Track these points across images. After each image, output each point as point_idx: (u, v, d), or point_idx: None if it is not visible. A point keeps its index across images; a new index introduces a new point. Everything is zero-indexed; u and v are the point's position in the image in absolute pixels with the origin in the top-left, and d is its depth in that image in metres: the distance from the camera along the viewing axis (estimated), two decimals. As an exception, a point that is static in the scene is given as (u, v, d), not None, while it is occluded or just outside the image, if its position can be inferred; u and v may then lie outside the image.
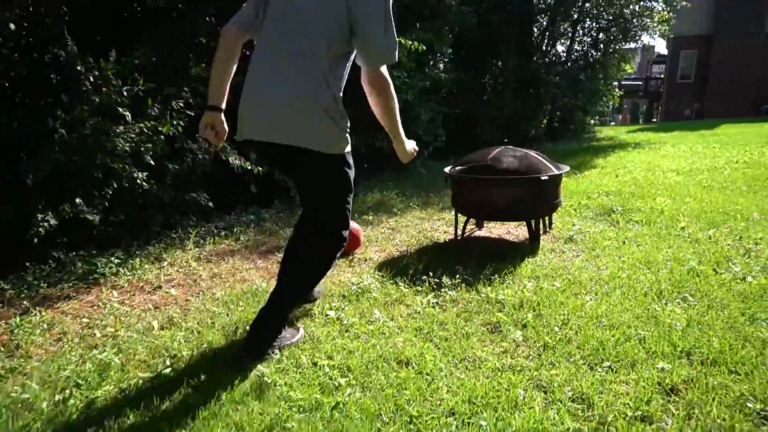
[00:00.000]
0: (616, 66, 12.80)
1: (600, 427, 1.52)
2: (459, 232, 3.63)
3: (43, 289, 2.86)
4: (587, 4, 11.92)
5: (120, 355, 2.08)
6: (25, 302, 2.69)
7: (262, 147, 1.93)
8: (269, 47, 1.86)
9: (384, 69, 1.90)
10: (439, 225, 4.19)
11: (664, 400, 1.62)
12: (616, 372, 1.79)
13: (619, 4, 10.98)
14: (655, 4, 12.02)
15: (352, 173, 2.03)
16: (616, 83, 14.15)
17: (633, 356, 1.87)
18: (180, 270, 3.23)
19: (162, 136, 3.64)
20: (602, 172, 6.27)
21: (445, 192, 5.52)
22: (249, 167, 4.19)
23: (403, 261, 3.22)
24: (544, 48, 13.10)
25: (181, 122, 3.75)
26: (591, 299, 2.41)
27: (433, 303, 2.52)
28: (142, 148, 3.25)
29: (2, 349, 2.20)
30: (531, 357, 1.93)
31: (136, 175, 3.44)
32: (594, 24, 12.86)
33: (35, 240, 2.97)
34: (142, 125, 3.31)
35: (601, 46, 12.67)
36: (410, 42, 5.49)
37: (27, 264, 3.09)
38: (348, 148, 1.97)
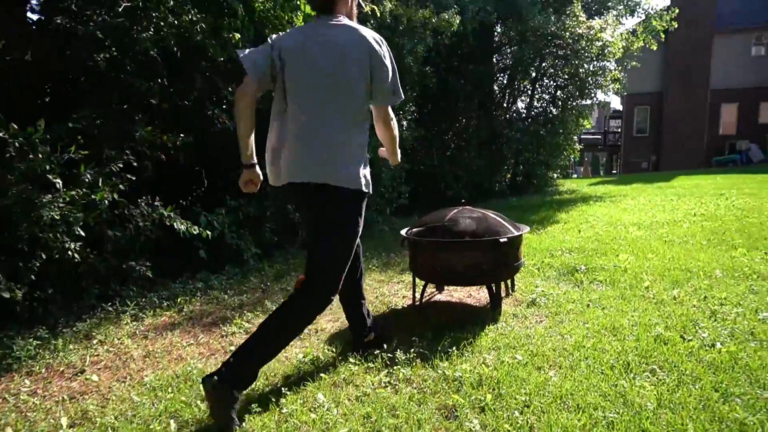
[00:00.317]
0: (574, 121, 13.21)
1: None
2: (418, 297, 3.44)
3: (-57, 379, 2.52)
4: (544, 64, 12.40)
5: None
6: None
7: (300, 188, 2.13)
8: (304, 107, 2.10)
9: (390, 108, 2.31)
10: (398, 288, 4.00)
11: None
12: (583, 468, 1.58)
13: (574, 63, 11.44)
14: (607, 64, 12.58)
15: (361, 222, 2.25)
16: (576, 137, 14.58)
17: (601, 447, 1.67)
18: (110, 349, 2.92)
19: (106, 202, 3.41)
20: (565, 228, 6.24)
21: (406, 252, 5.36)
22: (196, 231, 3.96)
23: (357, 332, 2.99)
24: (505, 105, 13.49)
25: (121, 186, 3.53)
26: (555, 374, 2.22)
27: (385, 383, 2.29)
28: (72, 218, 3.00)
29: None
30: (489, 451, 1.71)
31: (68, 245, 3.17)
32: (552, 82, 13.35)
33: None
34: (74, 193, 3.07)
35: (560, 102, 13.11)
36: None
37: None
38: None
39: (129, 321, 3.38)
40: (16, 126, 2.87)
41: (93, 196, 3.15)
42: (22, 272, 3.04)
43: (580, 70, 11.55)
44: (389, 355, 2.55)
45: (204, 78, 4.92)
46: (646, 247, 4.73)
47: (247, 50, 2.14)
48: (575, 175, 27.75)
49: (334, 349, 2.73)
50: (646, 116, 25.94)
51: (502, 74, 13.27)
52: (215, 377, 1.95)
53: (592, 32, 10.91)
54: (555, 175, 14.42)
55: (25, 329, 3.11)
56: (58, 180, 3.03)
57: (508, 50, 12.56)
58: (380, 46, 2.13)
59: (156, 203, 3.87)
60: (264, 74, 2.08)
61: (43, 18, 4.23)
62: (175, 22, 3.79)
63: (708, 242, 4.88)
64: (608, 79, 12.05)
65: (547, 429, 1.79)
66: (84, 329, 3.19)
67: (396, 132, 2.44)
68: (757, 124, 23.88)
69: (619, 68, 13.15)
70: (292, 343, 2.90)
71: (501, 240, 2.96)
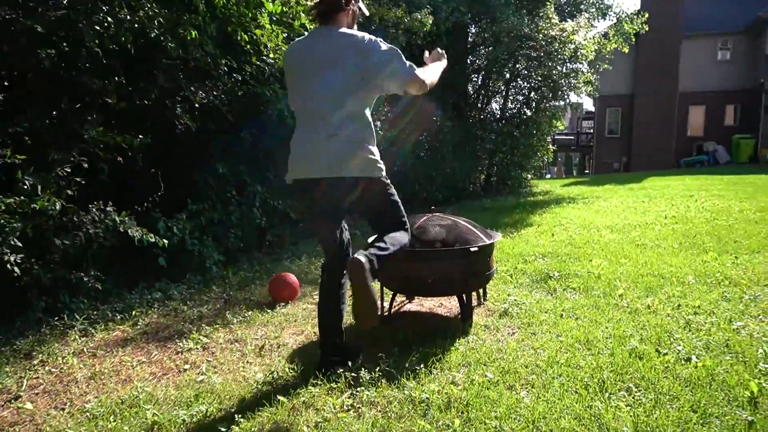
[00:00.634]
0: (548, 123, 13.26)
1: None
2: (387, 307, 3.29)
3: None
4: (518, 65, 12.40)
5: None
6: None
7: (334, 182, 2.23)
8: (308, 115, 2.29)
9: (414, 82, 2.21)
10: (368, 297, 3.83)
11: None
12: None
13: (547, 65, 11.46)
14: (580, 66, 12.66)
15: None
16: (549, 138, 14.65)
17: (575, 480, 1.55)
18: (52, 370, 2.69)
19: (57, 207, 3.16)
20: (538, 231, 6.17)
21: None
22: (152, 239, 3.74)
23: (321, 347, 2.83)
24: (479, 106, 13.46)
25: (69, 192, 3.29)
26: (527, 395, 2.09)
27: (347, 406, 2.14)
28: (8, 228, 2.76)
29: None
30: (455, 487, 1.57)
31: (7, 257, 2.92)
32: (525, 83, 13.38)
33: None
34: (11, 200, 2.82)
35: (533, 104, 13.14)
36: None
37: None
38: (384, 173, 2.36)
39: (77, 337, 3.15)
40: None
41: (33, 205, 2.91)
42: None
43: (553, 72, 11.58)
44: (353, 374, 2.39)
45: (165, 76, 4.68)
46: (619, 252, 4.68)
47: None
48: (549, 176, 28.03)
49: (295, 368, 2.56)
50: (618, 118, 26.34)
51: (476, 75, 13.25)
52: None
53: (564, 34, 10.94)
54: (529, 176, 14.47)
55: (-40, 349, 2.87)
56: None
57: (483, 51, 12.53)
58: (370, 39, 2.24)
59: (109, 209, 3.63)
60: None
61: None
62: (128, 17, 3.55)
63: (679, 246, 4.86)
64: (581, 81, 12.12)
65: (518, 460, 1.66)
66: (25, 347, 2.95)
67: (435, 75, 2.37)
68: (722, 126, 24.47)
69: (592, 71, 13.25)
70: (251, 360, 2.75)
71: (472, 249, 2.83)
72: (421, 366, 2.44)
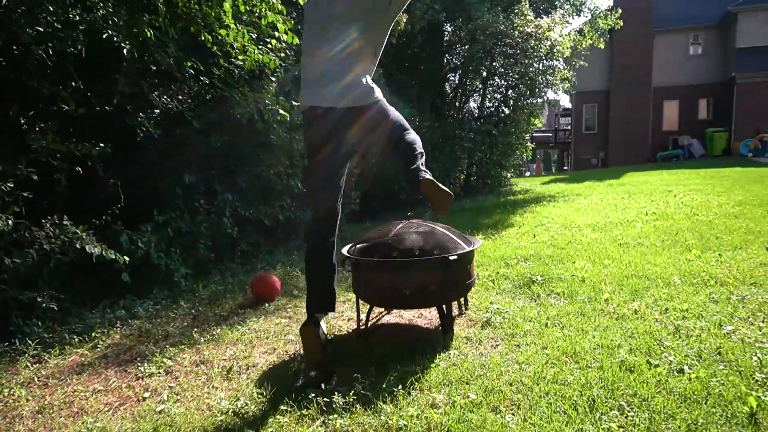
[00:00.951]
0: (526, 120, 13.23)
1: None
2: (363, 320, 3.12)
3: None
4: (495, 63, 12.33)
5: None
6: None
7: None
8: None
9: None
10: (345, 308, 3.66)
11: None
12: None
13: (524, 63, 11.41)
14: (556, 63, 12.65)
15: None
16: (528, 136, 14.64)
17: None
18: (-4, 404, 2.46)
19: (10, 223, 2.92)
20: (520, 232, 6.06)
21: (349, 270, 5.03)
22: (112, 256, 3.50)
23: (293, 367, 2.64)
24: (457, 104, 13.37)
25: (16, 208, 3.04)
26: (512, 418, 1.94)
27: (319, 436, 1.96)
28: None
29: None
30: None
31: (-54, 279, 2.68)
32: (503, 81, 13.33)
33: None
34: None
35: (511, 102, 13.09)
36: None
37: None
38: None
39: (29, 364, 2.91)
40: None
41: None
42: None
43: (530, 69, 11.54)
44: (326, 399, 2.21)
45: (126, 80, 4.44)
46: (602, 252, 4.58)
47: None
48: (528, 173, 28.17)
49: (264, 393, 2.37)
50: (594, 114, 26.58)
51: (453, 74, 13.15)
52: None
53: (540, 31, 10.90)
54: (508, 175, 14.44)
55: None
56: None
57: (459, 50, 12.44)
58: None
59: (65, 223, 3.39)
60: None
61: None
62: (77, 18, 3.31)
63: (662, 243, 4.78)
64: (558, 77, 12.10)
65: (505, 499, 1.50)
66: (-32, 379, 2.71)
67: None
68: (696, 120, 24.84)
69: (568, 67, 13.26)
70: (217, 385, 2.55)
71: (450, 257, 2.67)
72: (399, 387, 2.27)
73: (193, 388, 2.53)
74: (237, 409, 2.24)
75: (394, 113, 2.63)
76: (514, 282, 3.86)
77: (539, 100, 13.63)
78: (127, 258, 3.58)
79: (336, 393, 2.24)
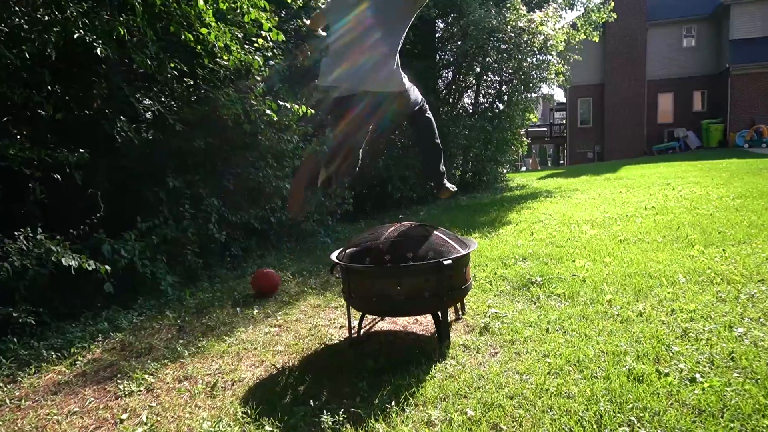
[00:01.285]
0: (520, 116, 13.09)
1: None
2: (355, 328, 2.97)
3: None
4: (488, 59, 12.18)
5: None
6: None
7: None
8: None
9: None
10: (336, 315, 3.51)
11: None
12: None
13: (517, 58, 11.26)
14: (550, 57, 12.50)
15: None
16: (523, 131, 14.51)
17: None
18: (-37, 431, 2.30)
19: None
20: (517, 229, 5.92)
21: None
22: (92, 266, 3.34)
23: (281, 382, 2.50)
24: (451, 101, 13.21)
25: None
26: (514, 437, 1.79)
27: (306, 462, 1.81)
28: None
29: None
30: None
31: None
32: (496, 77, 13.17)
33: None
34: None
35: (505, 97, 12.94)
36: (297, 107, 4.95)
37: None
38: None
39: (2, 384, 2.76)
40: None
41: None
42: None
43: (524, 64, 11.40)
44: (314, 419, 2.06)
45: (104, 83, 4.28)
46: (602, 249, 4.44)
47: None
48: (524, 168, 28.06)
49: (249, 411, 2.22)
50: (589, 107, 26.45)
51: (446, 70, 12.99)
52: None
53: (533, 25, 10.75)
54: (504, 171, 14.30)
55: None
56: None
57: (451, 46, 12.29)
58: None
59: (39, 236, 3.23)
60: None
61: None
62: (45, 17, 3.14)
63: (663, 239, 4.64)
64: (552, 72, 11.96)
65: None
66: (-65, 403, 2.55)
67: None
68: (691, 112, 24.73)
69: (562, 62, 13.12)
70: (200, 403, 2.40)
71: (445, 262, 2.53)
72: (392, 403, 2.12)
73: (174, 407, 2.38)
74: (218, 430, 2.09)
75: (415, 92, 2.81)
76: (512, 283, 3.71)
77: (533, 95, 13.48)
78: (108, 267, 3.42)
79: (324, 411, 2.10)
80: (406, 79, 2.67)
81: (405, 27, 2.71)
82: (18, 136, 3.64)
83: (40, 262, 3.28)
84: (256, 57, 4.48)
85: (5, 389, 2.72)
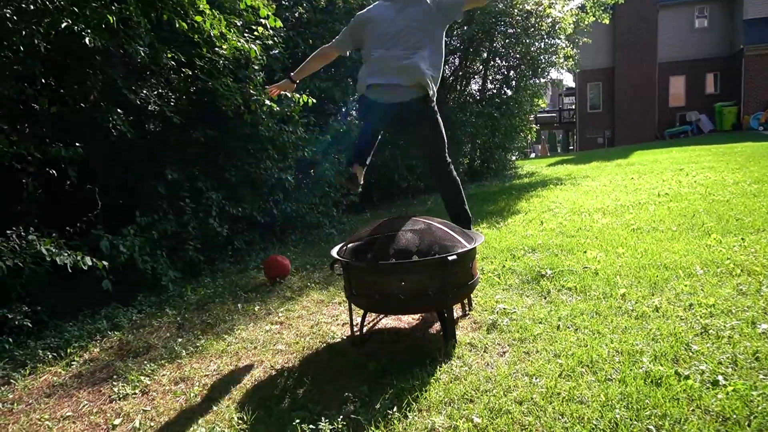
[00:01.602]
0: (529, 101, 12.85)
1: None
2: (357, 326, 2.86)
3: None
4: (495, 44, 11.94)
5: None
6: None
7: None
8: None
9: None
10: (339, 311, 3.41)
11: None
12: None
13: (525, 42, 11.02)
14: (558, 41, 12.23)
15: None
16: (532, 117, 14.27)
17: None
18: (-48, 439, 2.23)
19: None
20: (526, 219, 5.77)
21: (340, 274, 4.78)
22: (88, 264, 3.26)
23: (279, 384, 2.40)
24: (458, 88, 12.99)
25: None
26: (523, 448, 1.68)
27: (302, 474, 1.71)
28: None
29: None
30: None
31: None
32: (504, 62, 12.93)
33: None
34: None
35: (513, 83, 12.70)
36: (298, 96, 4.82)
37: None
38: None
39: (-5, 387, 2.69)
40: None
41: None
42: None
43: (532, 48, 11.15)
44: (311, 426, 1.96)
45: (99, 76, 4.17)
46: (614, 239, 4.29)
47: None
48: (533, 155, 27.74)
49: (245, 417, 2.13)
50: (599, 92, 26.05)
51: (452, 56, 12.75)
52: None
53: (541, 8, 10.50)
54: (513, 158, 14.09)
55: None
56: None
57: (457, 31, 12.04)
58: None
59: (32, 236, 3.14)
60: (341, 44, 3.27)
61: None
62: (31, 7, 3.02)
63: (678, 228, 4.47)
64: (561, 56, 11.69)
65: None
66: (-75, 409, 2.48)
67: None
68: (704, 95, 24.25)
69: (570, 45, 12.84)
70: (195, 408, 2.31)
71: (450, 258, 2.40)
72: (394, 409, 2.01)
73: (168, 412, 2.30)
74: (212, 440, 1.99)
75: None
76: (521, 276, 3.58)
77: (542, 80, 13.22)
78: (106, 263, 3.33)
79: (323, 418, 1.99)
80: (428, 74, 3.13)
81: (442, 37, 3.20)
82: (10, 131, 3.55)
83: (36, 260, 3.20)
84: (253, 46, 4.34)
85: (-2, 392, 2.65)
